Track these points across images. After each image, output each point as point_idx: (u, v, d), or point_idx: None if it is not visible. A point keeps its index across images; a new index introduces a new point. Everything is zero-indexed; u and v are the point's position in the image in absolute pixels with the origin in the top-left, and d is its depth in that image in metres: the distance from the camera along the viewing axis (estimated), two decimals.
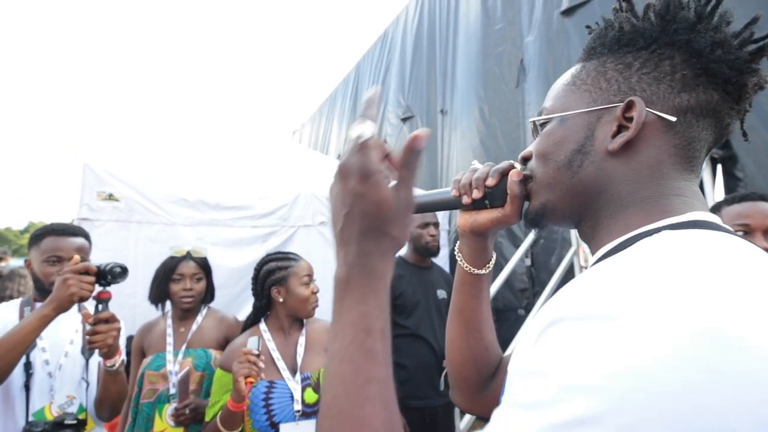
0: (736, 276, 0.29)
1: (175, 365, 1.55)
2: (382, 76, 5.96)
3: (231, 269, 2.60)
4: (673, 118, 0.41)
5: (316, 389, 1.34)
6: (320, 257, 2.78)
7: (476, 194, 0.57)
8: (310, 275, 1.50)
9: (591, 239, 0.47)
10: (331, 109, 7.95)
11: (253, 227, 2.73)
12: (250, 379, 1.20)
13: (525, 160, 0.53)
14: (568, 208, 0.47)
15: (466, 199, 0.58)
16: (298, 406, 1.30)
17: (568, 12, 3.16)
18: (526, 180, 0.52)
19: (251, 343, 1.27)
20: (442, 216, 3.45)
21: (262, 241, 2.75)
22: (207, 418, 1.34)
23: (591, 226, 0.46)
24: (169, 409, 1.49)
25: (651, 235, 0.37)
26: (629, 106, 0.42)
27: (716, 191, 2.22)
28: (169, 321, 1.65)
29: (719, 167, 2.30)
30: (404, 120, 5.32)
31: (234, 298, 2.56)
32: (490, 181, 0.55)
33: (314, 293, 1.48)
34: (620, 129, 0.42)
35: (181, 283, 1.64)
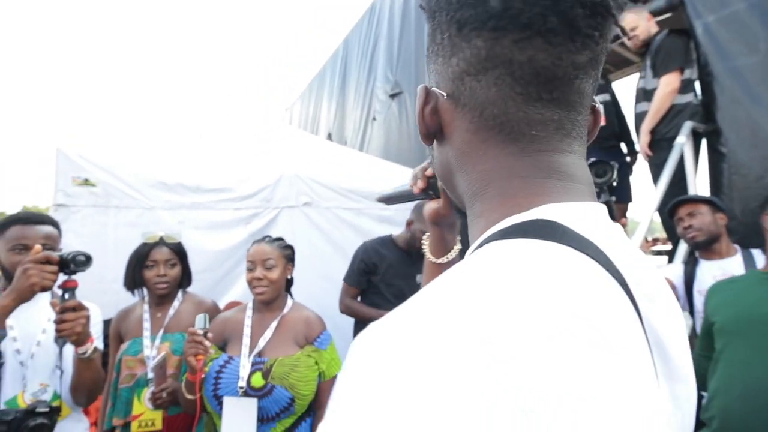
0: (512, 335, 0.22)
1: (152, 350, 1.56)
2: (371, 50, 5.80)
3: (214, 252, 2.59)
4: (444, 93, 0.35)
5: (266, 375, 1.37)
6: (305, 239, 2.78)
7: (420, 185, 0.56)
8: (254, 261, 1.50)
9: None
10: (321, 86, 7.77)
11: (235, 209, 2.70)
12: (199, 357, 1.31)
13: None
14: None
15: (415, 189, 0.58)
16: (242, 383, 1.34)
17: None
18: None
19: (198, 321, 1.34)
20: None
21: (245, 224, 2.73)
22: None
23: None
24: (147, 392, 1.50)
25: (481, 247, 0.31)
26: (428, 93, 0.37)
27: (699, 166, 2.21)
28: (146, 307, 1.65)
29: (703, 141, 2.27)
30: (393, 96, 5.21)
31: (218, 281, 2.57)
32: (429, 171, 0.54)
33: (256, 278, 1.48)
34: (430, 124, 0.38)
35: (154, 269, 1.63)
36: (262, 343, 1.44)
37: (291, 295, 1.64)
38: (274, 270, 1.52)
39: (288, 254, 1.65)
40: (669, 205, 1.75)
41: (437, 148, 0.39)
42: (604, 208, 0.34)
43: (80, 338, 1.22)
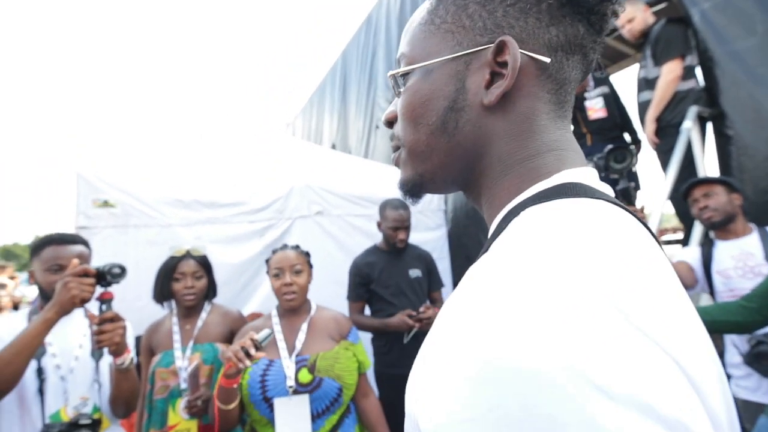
0: (581, 300, 0.23)
1: (184, 361, 1.59)
2: (370, 60, 5.89)
3: (232, 265, 2.63)
4: (548, 59, 0.35)
5: (312, 370, 1.40)
6: (318, 247, 2.82)
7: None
8: (281, 267, 1.53)
9: (480, 207, 0.41)
10: (321, 99, 7.88)
11: (250, 222, 2.75)
12: (230, 364, 1.23)
13: (390, 124, 0.45)
14: (450, 176, 0.40)
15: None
16: (291, 383, 1.36)
17: None
18: (395, 149, 0.44)
19: (262, 333, 1.29)
20: (438, 198, 3.47)
21: (260, 236, 2.77)
22: None
23: (476, 194, 0.41)
24: (181, 402, 1.53)
25: (518, 213, 0.32)
26: (500, 48, 0.35)
27: (706, 151, 2.23)
28: (175, 319, 1.69)
29: (709, 126, 2.30)
30: None
31: (237, 293, 2.60)
32: None
33: (286, 284, 1.50)
34: (493, 77, 0.36)
35: (182, 282, 1.67)
36: (298, 344, 1.47)
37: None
38: (301, 275, 1.56)
39: (309, 260, 1.69)
40: (684, 187, 1.77)
41: (481, 109, 0.36)
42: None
43: (119, 348, 1.26)
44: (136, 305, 2.31)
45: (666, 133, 2.24)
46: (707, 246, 1.69)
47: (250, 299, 2.67)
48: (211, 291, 1.78)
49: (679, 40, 2.21)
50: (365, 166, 3.74)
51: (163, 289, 1.69)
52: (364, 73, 6.08)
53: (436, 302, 2.31)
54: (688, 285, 1.64)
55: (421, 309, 2.04)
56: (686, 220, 2.17)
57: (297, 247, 1.67)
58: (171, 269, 1.68)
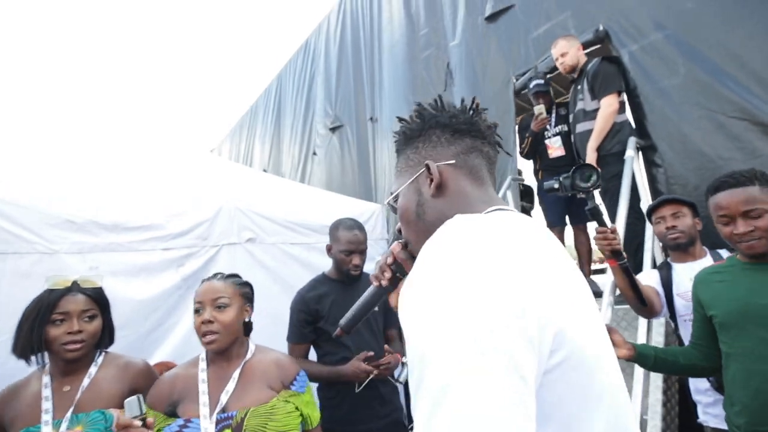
0: (483, 247, 0.45)
1: None
2: (307, 85, 5.72)
3: (138, 302, 2.14)
4: (453, 161, 0.64)
5: (237, 430, 1.10)
6: (249, 278, 2.42)
7: (388, 275, 0.75)
8: (201, 301, 1.25)
9: None
10: (253, 123, 7.47)
11: (164, 250, 2.29)
12: None
13: (400, 232, 0.72)
14: (424, 240, 0.55)
15: (384, 283, 0.76)
16: None
17: (492, 18, 3.25)
18: (406, 245, 0.73)
19: (129, 407, 1.03)
20: (381, 227, 3.29)
21: (178, 266, 2.32)
22: None
23: None
24: None
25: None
26: (428, 167, 0.64)
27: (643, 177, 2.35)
28: (46, 379, 1.22)
29: (641, 155, 2.44)
30: (333, 129, 5.12)
31: (144, 337, 2.11)
32: (389, 260, 0.75)
33: (205, 322, 1.22)
34: (431, 182, 0.64)
35: (64, 325, 1.22)
36: (224, 397, 1.15)
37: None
38: (226, 311, 1.25)
39: (245, 293, 1.38)
40: (652, 204, 1.78)
41: (431, 200, 0.64)
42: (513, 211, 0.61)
43: None
44: None
45: (605, 162, 2.33)
46: (665, 269, 1.69)
47: (162, 344, 2.18)
48: (106, 336, 1.35)
49: (615, 77, 2.36)
50: (303, 191, 3.45)
51: (34, 338, 1.21)
52: (300, 99, 5.88)
53: (392, 342, 1.99)
54: (658, 311, 1.60)
55: (384, 359, 1.71)
56: (630, 246, 2.22)
57: (231, 276, 1.36)
58: (48, 308, 1.22)
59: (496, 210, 0.58)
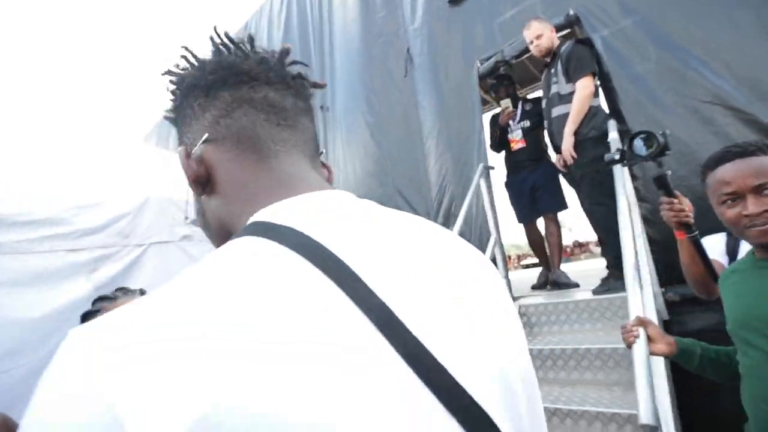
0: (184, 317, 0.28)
1: None
2: None
3: (32, 321, 1.64)
4: (205, 134, 0.42)
5: None
6: None
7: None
8: None
9: None
10: None
11: (69, 251, 1.80)
12: None
13: None
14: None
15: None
16: None
17: (455, 1, 3.09)
18: None
19: None
20: None
21: (90, 271, 1.84)
22: None
23: None
24: None
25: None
26: (180, 158, 0.43)
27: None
28: None
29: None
30: None
31: (39, 368, 1.60)
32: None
33: None
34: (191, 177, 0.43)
35: None
36: None
37: None
38: None
39: None
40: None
41: (206, 201, 0.43)
42: (342, 195, 0.40)
43: None
44: None
45: (583, 147, 2.24)
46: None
47: None
48: None
49: (590, 59, 2.28)
50: None
51: None
52: None
53: None
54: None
55: None
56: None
57: (138, 293, 1.03)
58: None
59: (285, 201, 0.38)
